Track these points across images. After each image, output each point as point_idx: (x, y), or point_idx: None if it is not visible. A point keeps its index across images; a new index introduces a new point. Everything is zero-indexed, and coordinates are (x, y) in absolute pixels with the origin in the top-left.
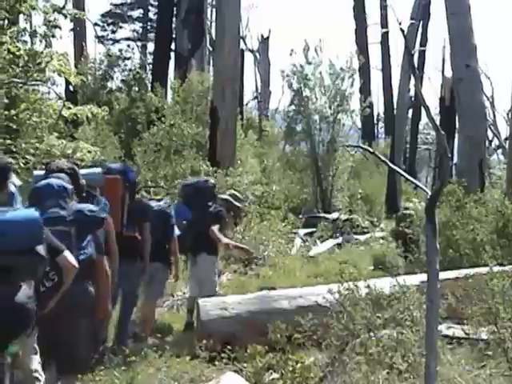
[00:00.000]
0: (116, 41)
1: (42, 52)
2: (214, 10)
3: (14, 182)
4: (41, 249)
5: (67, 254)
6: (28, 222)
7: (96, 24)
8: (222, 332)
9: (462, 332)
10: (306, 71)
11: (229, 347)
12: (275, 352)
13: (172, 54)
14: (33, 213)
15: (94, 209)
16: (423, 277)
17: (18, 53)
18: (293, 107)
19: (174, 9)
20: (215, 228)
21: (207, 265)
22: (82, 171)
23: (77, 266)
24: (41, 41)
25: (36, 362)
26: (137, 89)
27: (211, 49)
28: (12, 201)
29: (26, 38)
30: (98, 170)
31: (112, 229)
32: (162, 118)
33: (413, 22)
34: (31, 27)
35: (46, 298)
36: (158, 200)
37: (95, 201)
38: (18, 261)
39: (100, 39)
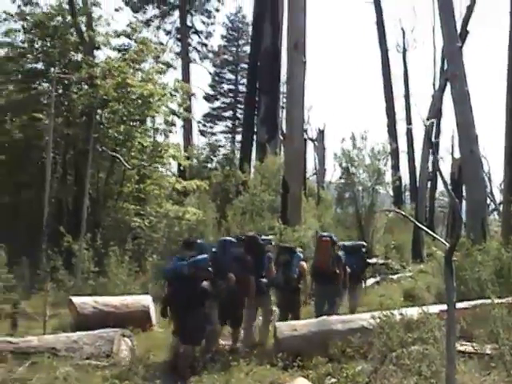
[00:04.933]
0: (213, 133)
1: (162, 143)
2: (284, 110)
3: (202, 242)
4: (210, 269)
5: (231, 275)
6: (204, 259)
7: (199, 122)
8: (293, 347)
9: (471, 348)
10: (352, 154)
11: (298, 358)
12: (333, 362)
13: (254, 143)
14: (205, 256)
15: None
16: (442, 306)
17: (145, 144)
18: (342, 180)
19: (255, 110)
20: None
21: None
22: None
23: (234, 278)
24: (161, 135)
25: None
26: (228, 168)
27: (282, 138)
28: (204, 250)
29: (151, 132)
30: (270, 237)
31: (305, 270)
32: (247, 189)
33: (432, 121)
34: (153, 125)
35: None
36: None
37: (294, 255)
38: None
39: (202, 132)
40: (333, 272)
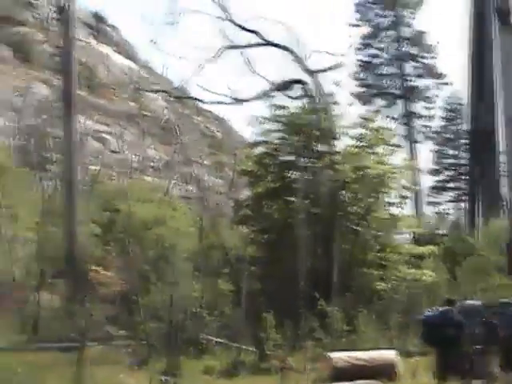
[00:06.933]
0: (439, 203)
1: (396, 215)
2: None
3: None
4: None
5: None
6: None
7: (427, 193)
8: None
9: None
10: None
11: None
12: None
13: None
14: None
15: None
16: None
17: (382, 216)
18: None
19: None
20: None
21: None
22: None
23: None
24: (395, 207)
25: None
26: (456, 233)
27: (504, 203)
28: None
29: (386, 206)
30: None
31: None
32: (475, 252)
33: None
34: (388, 199)
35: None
36: None
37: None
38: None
39: (430, 203)
40: None
